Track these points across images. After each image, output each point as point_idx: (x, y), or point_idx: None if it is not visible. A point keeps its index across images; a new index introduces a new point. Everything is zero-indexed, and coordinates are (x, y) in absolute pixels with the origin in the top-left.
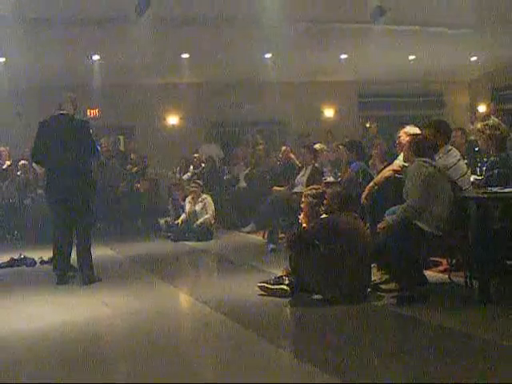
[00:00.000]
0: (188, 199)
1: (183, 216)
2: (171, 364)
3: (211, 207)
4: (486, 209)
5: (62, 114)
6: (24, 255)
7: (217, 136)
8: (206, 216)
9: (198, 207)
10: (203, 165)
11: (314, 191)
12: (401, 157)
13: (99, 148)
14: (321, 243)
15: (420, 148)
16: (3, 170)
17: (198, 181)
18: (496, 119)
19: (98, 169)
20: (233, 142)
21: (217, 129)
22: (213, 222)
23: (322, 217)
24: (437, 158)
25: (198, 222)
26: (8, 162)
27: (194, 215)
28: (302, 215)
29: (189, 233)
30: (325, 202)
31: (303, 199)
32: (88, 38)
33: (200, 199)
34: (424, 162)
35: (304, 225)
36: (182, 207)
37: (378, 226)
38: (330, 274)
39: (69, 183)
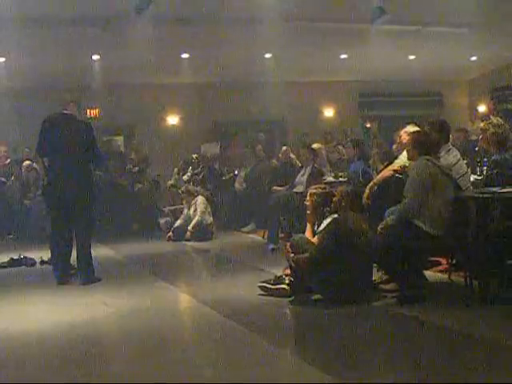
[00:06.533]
0: (184, 205)
1: (180, 220)
2: (171, 364)
3: (200, 207)
4: (486, 209)
5: (65, 113)
6: (24, 255)
7: (217, 136)
8: (196, 218)
9: (191, 211)
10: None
11: (319, 190)
12: (402, 156)
13: (100, 150)
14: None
15: (422, 145)
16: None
17: (188, 185)
18: (499, 118)
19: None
20: (232, 142)
21: (217, 129)
22: (210, 221)
23: (329, 224)
24: None
25: (190, 227)
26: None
27: (189, 219)
28: (308, 214)
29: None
30: (334, 199)
31: (308, 198)
32: (88, 38)
33: (192, 202)
34: (428, 160)
35: (309, 224)
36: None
37: (379, 227)
38: (330, 274)
39: (69, 183)
